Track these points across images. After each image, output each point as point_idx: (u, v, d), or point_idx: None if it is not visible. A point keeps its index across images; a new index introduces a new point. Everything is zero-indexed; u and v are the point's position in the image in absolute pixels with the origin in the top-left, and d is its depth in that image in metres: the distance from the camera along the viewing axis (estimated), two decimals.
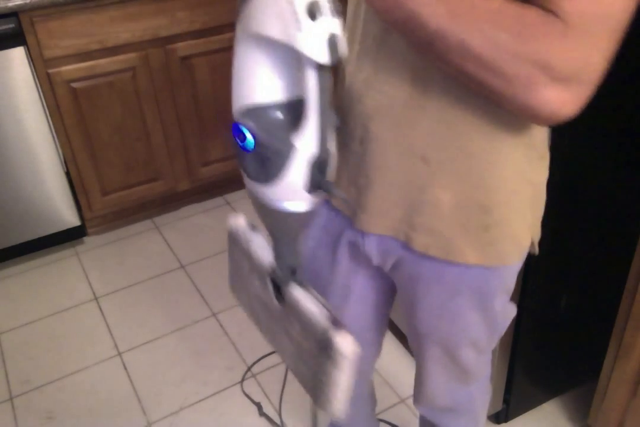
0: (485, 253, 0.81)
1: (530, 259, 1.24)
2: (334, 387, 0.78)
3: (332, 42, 0.63)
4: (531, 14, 0.58)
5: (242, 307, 0.96)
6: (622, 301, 1.24)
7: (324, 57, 0.63)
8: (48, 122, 2.03)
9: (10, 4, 1.80)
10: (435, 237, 0.80)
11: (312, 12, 0.61)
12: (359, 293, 1.00)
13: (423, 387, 1.06)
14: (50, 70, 1.97)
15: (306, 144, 0.69)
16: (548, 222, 1.19)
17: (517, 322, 1.36)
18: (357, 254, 0.93)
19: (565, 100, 0.59)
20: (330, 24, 0.62)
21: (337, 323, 0.75)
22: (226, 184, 2.54)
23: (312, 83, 0.65)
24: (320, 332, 0.76)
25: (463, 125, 0.73)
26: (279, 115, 0.71)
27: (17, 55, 1.89)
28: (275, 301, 0.84)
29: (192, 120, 2.31)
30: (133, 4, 2.00)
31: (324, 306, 0.78)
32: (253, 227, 0.88)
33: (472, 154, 0.75)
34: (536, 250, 0.88)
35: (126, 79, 2.11)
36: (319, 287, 0.98)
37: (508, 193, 0.78)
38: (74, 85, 2.03)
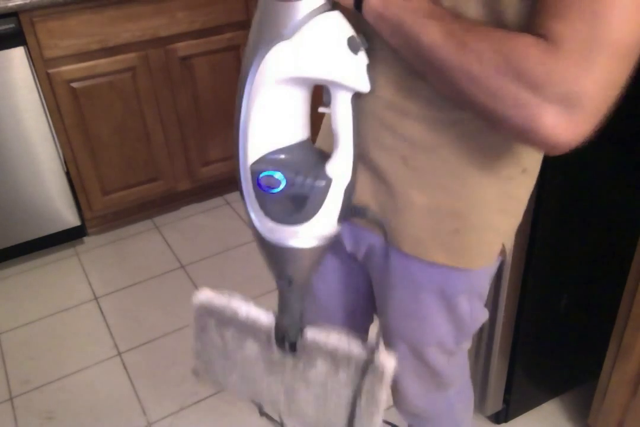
0: (452, 255, 0.81)
1: (530, 259, 1.25)
2: (377, 406, 0.80)
3: (368, 72, 0.66)
4: (521, 36, 0.59)
5: (216, 385, 0.93)
6: (622, 301, 1.24)
7: (366, 86, 0.66)
8: (48, 122, 2.03)
9: (10, 4, 1.80)
10: (405, 235, 0.81)
11: (354, 47, 0.64)
12: (331, 276, 0.99)
13: (398, 388, 1.05)
14: (50, 70, 1.97)
15: (341, 173, 0.70)
16: (548, 222, 1.20)
17: (517, 322, 1.37)
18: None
19: (563, 125, 0.58)
20: (364, 55, 0.66)
21: (373, 346, 0.78)
22: (226, 184, 2.54)
23: (348, 112, 0.67)
24: (360, 356, 0.78)
25: (444, 135, 0.73)
26: (304, 153, 0.71)
27: (17, 55, 1.89)
28: (282, 355, 0.84)
29: (192, 120, 2.31)
30: (133, 4, 2.00)
31: (344, 334, 0.81)
32: (230, 294, 0.86)
33: (449, 163, 0.75)
34: (507, 258, 0.88)
35: (126, 79, 2.11)
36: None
37: (483, 203, 0.78)
38: (74, 85, 2.03)
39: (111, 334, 1.95)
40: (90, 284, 2.16)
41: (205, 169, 2.43)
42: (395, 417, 1.63)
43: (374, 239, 0.86)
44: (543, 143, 0.60)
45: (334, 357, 0.81)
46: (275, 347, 0.85)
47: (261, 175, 0.69)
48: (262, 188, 0.70)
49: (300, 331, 0.83)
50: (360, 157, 0.79)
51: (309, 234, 0.73)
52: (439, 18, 0.63)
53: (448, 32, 0.62)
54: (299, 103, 0.69)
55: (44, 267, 2.24)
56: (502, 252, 0.86)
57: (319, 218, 0.72)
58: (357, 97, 0.68)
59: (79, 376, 1.81)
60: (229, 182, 2.54)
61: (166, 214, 2.50)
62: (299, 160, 0.70)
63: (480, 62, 0.60)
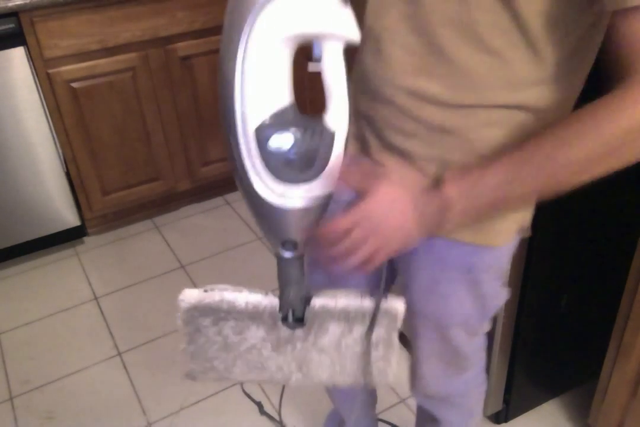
0: (477, 233, 0.83)
1: (531, 259, 1.25)
2: (394, 349, 0.85)
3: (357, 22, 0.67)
4: (601, 102, 0.63)
5: (219, 378, 0.92)
6: (622, 301, 1.24)
7: (357, 36, 0.68)
8: (48, 122, 2.03)
9: (10, 4, 1.80)
10: None
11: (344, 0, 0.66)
12: (362, 279, 1.00)
13: (418, 371, 1.07)
14: (50, 70, 1.97)
15: (342, 124, 0.71)
16: (548, 222, 1.20)
17: (517, 322, 1.37)
18: None
19: None
20: (350, 7, 0.67)
21: (375, 294, 0.82)
22: (226, 184, 2.54)
23: (341, 64, 0.68)
24: (371, 309, 0.81)
25: (464, 117, 0.75)
26: (297, 113, 0.72)
27: (17, 55, 1.89)
28: (290, 332, 0.85)
29: (192, 120, 2.31)
30: (133, 4, 2.00)
31: (351, 293, 0.83)
32: (213, 288, 0.85)
33: (471, 142, 0.76)
34: (527, 233, 0.89)
35: (126, 79, 2.11)
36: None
37: None
38: (74, 85, 2.03)
39: (111, 334, 1.95)
40: (90, 284, 2.16)
41: (205, 169, 2.43)
42: (395, 417, 1.63)
43: None
44: None
45: (347, 317, 0.83)
46: (281, 326, 0.84)
47: (270, 138, 0.70)
48: (271, 151, 0.71)
49: (307, 302, 0.83)
50: (383, 143, 0.81)
51: (318, 190, 0.74)
52: (516, 180, 0.68)
53: (543, 179, 0.67)
54: (288, 64, 0.69)
55: (44, 267, 2.24)
56: (522, 229, 0.88)
57: (328, 172, 0.73)
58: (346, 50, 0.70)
59: (79, 376, 1.81)
60: (229, 182, 2.53)
61: (166, 214, 2.50)
62: (297, 119, 0.71)
63: (595, 162, 0.64)
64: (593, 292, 1.45)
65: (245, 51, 0.66)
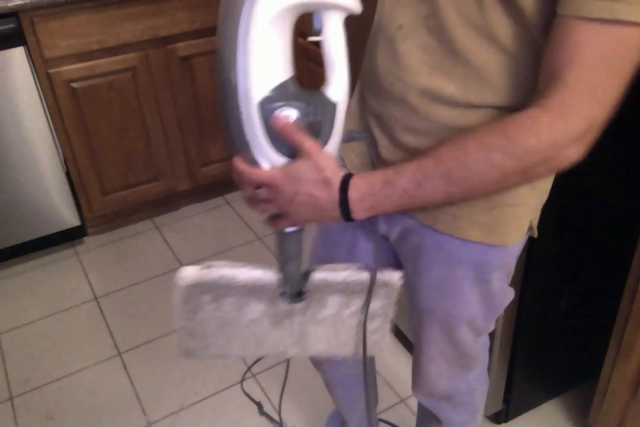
0: (487, 232, 0.83)
1: (531, 259, 1.25)
2: (388, 323, 0.87)
3: None
4: (513, 116, 0.66)
5: (217, 354, 0.92)
6: (622, 301, 1.24)
7: (357, 6, 0.68)
8: (48, 122, 2.03)
9: (10, 4, 1.80)
10: (442, 214, 0.83)
11: None
12: (363, 259, 1.01)
13: (422, 371, 1.07)
14: (50, 70, 1.97)
15: (343, 96, 0.71)
16: (549, 222, 1.20)
17: (517, 322, 1.37)
18: (365, 221, 0.95)
19: (581, 149, 0.65)
20: None
21: (370, 268, 0.83)
22: (226, 184, 2.54)
23: (341, 36, 0.68)
24: (367, 281, 0.82)
25: (475, 116, 0.75)
26: (299, 86, 0.72)
27: (17, 55, 1.89)
28: (289, 306, 0.85)
29: (192, 120, 2.31)
30: (133, 4, 2.00)
31: (349, 266, 0.84)
32: (211, 264, 0.85)
33: None
34: (535, 233, 0.90)
35: (126, 79, 2.11)
36: (327, 249, 1.02)
37: None
38: (74, 85, 2.03)
39: (111, 334, 1.95)
40: (90, 284, 2.16)
41: (205, 169, 2.43)
42: (395, 417, 1.63)
43: (408, 220, 0.87)
44: (562, 169, 0.68)
45: (345, 290, 0.84)
46: (280, 300, 0.85)
47: (275, 111, 0.70)
48: (274, 121, 0.71)
49: (306, 276, 0.83)
50: (393, 142, 0.82)
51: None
52: (425, 180, 0.70)
53: (444, 180, 0.69)
54: (288, 36, 0.69)
55: (44, 267, 2.24)
56: (530, 228, 0.88)
57: (331, 144, 0.74)
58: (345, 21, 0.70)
59: (79, 376, 1.81)
60: (229, 182, 2.53)
61: (166, 214, 2.50)
62: (299, 92, 0.71)
63: (493, 168, 0.67)
64: (593, 292, 1.45)
65: (247, 23, 0.66)
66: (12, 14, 1.84)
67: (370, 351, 0.90)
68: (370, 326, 0.87)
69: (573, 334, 1.51)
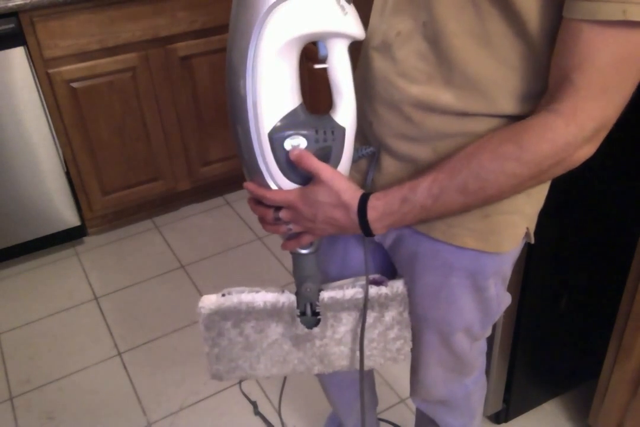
0: (482, 239, 0.83)
1: (530, 259, 1.25)
2: (407, 328, 0.90)
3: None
4: (525, 123, 0.67)
5: (245, 376, 0.95)
6: (622, 301, 1.24)
7: (361, 33, 0.69)
8: (48, 122, 2.03)
9: (10, 4, 1.80)
10: (436, 222, 0.82)
11: None
12: (356, 268, 1.01)
13: (419, 377, 1.07)
14: (50, 70, 1.97)
15: (351, 121, 0.73)
16: (548, 222, 1.19)
17: (517, 322, 1.37)
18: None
19: (594, 149, 0.67)
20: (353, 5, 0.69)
21: (379, 281, 0.86)
22: (226, 184, 2.54)
23: (347, 62, 0.70)
24: (375, 295, 0.86)
25: (470, 123, 0.75)
26: (307, 114, 0.73)
27: (17, 55, 1.89)
28: (310, 328, 0.88)
29: (192, 120, 2.31)
30: (133, 4, 2.00)
31: (352, 283, 0.87)
32: (230, 291, 0.88)
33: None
34: (532, 239, 0.89)
35: (126, 79, 2.11)
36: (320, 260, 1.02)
37: None
38: (74, 85, 2.03)
39: (111, 334, 1.95)
40: (90, 284, 2.16)
41: (205, 169, 2.43)
42: (395, 417, 1.63)
43: (402, 227, 0.87)
44: (571, 169, 0.69)
45: (357, 305, 0.86)
46: (299, 322, 0.87)
47: (284, 140, 0.71)
48: (286, 153, 0.72)
49: (316, 296, 0.86)
50: (386, 149, 0.81)
51: None
52: (440, 192, 0.71)
53: (460, 191, 0.70)
54: (295, 66, 0.70)
55: (44, 267, 2.24)
56: (527, 235, 0.88)
57: (342, 166, 0.76)
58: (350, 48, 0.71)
59: (79, 376, 1.81)
60: (229, 182, 2.54)
61: (166, 214, 2.50)
62: (307, 120, 0.72)
63: (509, 177, 0.68)
64: (593, 293, 1.45)
65: (254, 56, 0.67)
66: (12, 14, 1.84)
67: (394, 358, 0.93)
68: (391, 335, 0.90)
69: (573, 334, 1.51)
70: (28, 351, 1.90)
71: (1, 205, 2.07)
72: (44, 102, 2.00)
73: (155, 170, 2.32)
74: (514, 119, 0.73)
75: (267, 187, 0.76)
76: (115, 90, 2.10)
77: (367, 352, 0.91)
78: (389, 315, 0.87)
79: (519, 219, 0.84)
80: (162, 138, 2.28)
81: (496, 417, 1.58)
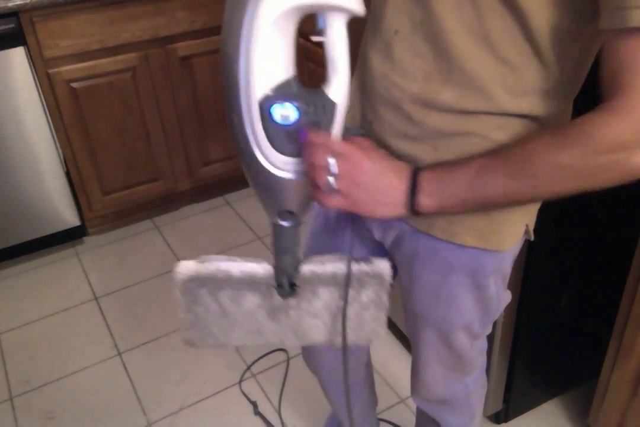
0: (482, 237, 0.83)
1: (531, 258, 1.25)
2: (383, 310, 0.88)
3: None
4: (577, 120, 0.65)
5: (217, 344, 0.94)
6: (622, 301, 1.24)
7: (361, 9, 0.68)
8: (48, 122, 2.03)
9: (10, 4, 1.80)
10: (437, 220, 0.82)
11: None
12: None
13: (420, 376, 1.07)
14: (50, 70, 1.97)
15: (343, 97, 0.72)
16: (549, 221, 1.20)
17: (517, 322, 1.37)
18: (359, 226, 0.95)
19: None
20: None
21: (362, 259, 0.84)
22: (226, 184, 2.54)
23: (344, 37, 0.68)
24: (358, 271, 0.84)
25: (470, 121, 0.75)
26: (300, 85, 0.72)
27: (17, 55, 1.89)
28: (284, 298, 0.87)
29: (192, 120, 2.31)
30: (133, 4, 2.00)
31: (334, 259, 0.85)
32: (208, 258, 0.87)
33: (477, 146, 0.76)
34: (531, 236, 0.89)
35: (126, 79, 2.11)
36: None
37: None
38: (74, 85, 2.03)
39: (111, 334, 1.95)
40: (90, 284, 2.16)
41: (205, 169, 2.43)
42: (395, 417, 1.63)
43: (403, 226, 0.87)
44: (633, 178, 0.66)
45: (336, 281, 0.85)
46: (275, 292, 0.87)
47: (274, 109, 0.70)
48: (275, 122, 0.71)
49: (296, 269, 0.85)
50: (386, 149, 0.81)
51: None
52: (488, 173, 0.69)
53: (513, 176, 0.68)
54: (291, 36, 0.70)
55: (44, 267, 2.25)
56: (526, 233, 0.88)
57: None
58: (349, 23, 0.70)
59: (79, 376, 1.81)
60: (229, 182, 2.54)
61: (166, 214, 2.50)
62: (299, 91, 0.72)
63: (565, 172, 0.66)
64: (593, 293, 1.45)
65: (250, 23, 0.66)
66: (12, 14, 1.84)
67: (367, 338, 0.92)
68: (366, 315, 0.89)
69: (573, 334, 1.51)
70: (28, 351, 1.90)
71: (1, 205, 2.07)
72: (44, 102, 2.00)
73: (155, 170, 2.32)
74: (514, 116, 0.73)
75: (255, 160, 0.75)
76: (115, 90, 2.10)
77: (340, 329, 0.90)
78: (366, 294, 0.86)
79: (518, 216, 0.84)
80: (162, 138, 2.28)
81: (496, 417, 1.58)
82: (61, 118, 2.06)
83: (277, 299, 0.87)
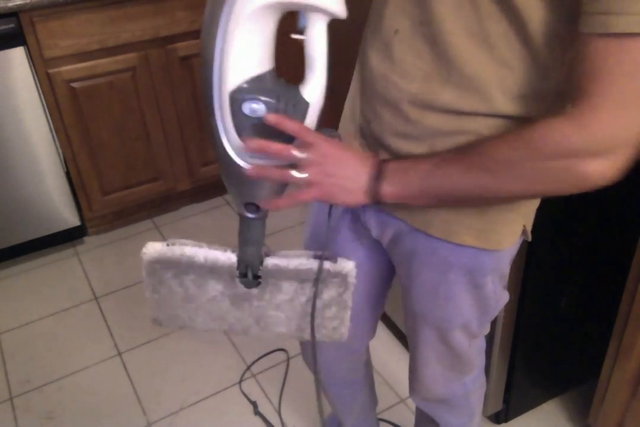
0: (480, 237, 0.83)
1: (531, 259, 1.25)
2: (346, 310, 0.88)
3: None
4: (536, 122, 0.66)
5: (184, 326, 0.95)
6: (622, 301, 1.24)
7: (343, 12, 0.68)
8: (48, 122, 2.03)
9: (10, 4, 1.80)
10: (435, 219, 0.83)
11: None
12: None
13: (418, 375, 1.07)
14: (50, 70, 1.97)
15: (318, 97, 0.72)
16: (549, 221, 1.20)
17: (517, 322, 1.37)
18: (357, 225, 0.96)
19: (606, 170, 0.64)
20: None
21: (327, 257, 0.85)
22: None
23: (324, 38, 0.68)
24: (322, 269, 0.84)
25: (468, 122, 0.75)
26: (275, 81, 0.72)
27: (17, 55, 1.89)
28: (247, 289, 0.88)
29: (192, 120, 2.31)
30: (133, 4, 2.00)
31: (299, 254, 0.86)
32: (176, 242, 0.88)
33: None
34: (529, 237, 0.89)
35: (126, 79, 2.11)
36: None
37: None
38: (74, 85, 2.03)
39: (111, 334, 1.95)
40: (90, 284, 2.16)
41: (205, 169, 2.43)
42: (395, 417, 1.63)
43: (401, 224, 0.87)
44: (587, 188, 0.67)
45: (299, 277, 0.86)
46: (238, 282, 0.87)
47: (244, 102, 0.70)
48: (244, 114, 0.71)
49: (260, 261, 0.86)
50: (384, 148, 0.82)
51: None
52: (446, 164, 0.72)
53: (467, 169, 0.70)
54: (270, 30, 0.70)
55: (44, 267, 2.25)
56: (524, 232, 0.88)
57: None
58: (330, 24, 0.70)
59: (79, 376, 1.81)
60: None
61: (166, 214, 2.50)
62: (274, 87, 0.72)
63: (515, 171, 0.67)
64: (593, 293, 1.45)
65: (227, 17, 0.67)
66: (12, 14, 1.83)
67: (330, 337, 0.93)
68: (328, 313, 0.90)
69: (573, 334, 1.51)
70: (28, 351, 1.90)
71: (1, 205, 2.07)
72: (44, 102, 2.00)
73: (155, 171, 2.32)
74: (511, 119, 0.73)
75: (225, 153, 0.74)
76: (115, 90, 2.10)
77: (302, 325, 0.91)
78: (328, 293, 0.87)
79: (516, 216, 0.84)
80: (162, 138, 2.28)
81: (496, 417, 1.58)
82: (61, 118, 2.06)
83: (240, 288, 0.88)
